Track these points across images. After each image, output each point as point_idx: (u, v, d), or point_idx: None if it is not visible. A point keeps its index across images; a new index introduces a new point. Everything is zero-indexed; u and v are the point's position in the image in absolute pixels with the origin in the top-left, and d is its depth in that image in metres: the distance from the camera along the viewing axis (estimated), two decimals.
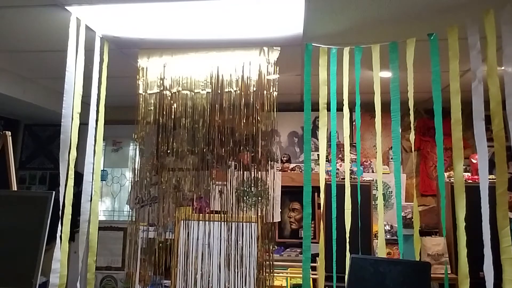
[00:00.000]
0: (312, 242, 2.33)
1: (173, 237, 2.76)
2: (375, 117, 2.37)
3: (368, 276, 1.95)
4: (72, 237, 2.34)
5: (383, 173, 3.09)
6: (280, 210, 4.02)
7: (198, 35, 2.48)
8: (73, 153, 2.16)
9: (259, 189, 2.67)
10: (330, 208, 2.54)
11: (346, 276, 2.04)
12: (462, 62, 2.02)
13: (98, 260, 2.52)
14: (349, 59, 2.38)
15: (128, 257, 3.56)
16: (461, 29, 2.02)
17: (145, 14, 2.19)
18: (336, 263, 2.46)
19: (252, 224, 2.69)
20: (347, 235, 2.36)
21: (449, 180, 3.34)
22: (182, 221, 2.77)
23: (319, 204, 3.64)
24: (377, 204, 2.78)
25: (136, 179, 2.71)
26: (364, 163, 4.10)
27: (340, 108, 2.44)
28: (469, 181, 3.33)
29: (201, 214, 2.76)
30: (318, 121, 2.67)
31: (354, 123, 3.93)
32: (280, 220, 4.06)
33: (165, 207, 2.71)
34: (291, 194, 4.08)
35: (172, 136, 2.67)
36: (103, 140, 2.51)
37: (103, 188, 4.55)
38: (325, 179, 2.43)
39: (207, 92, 2.65)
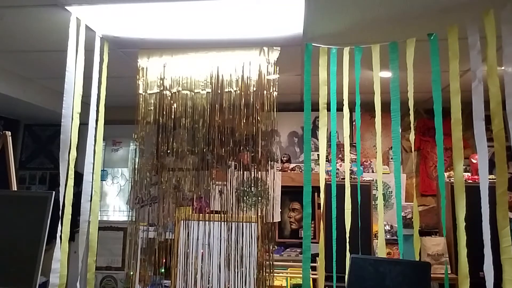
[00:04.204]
0: (312, 242, 2.33)
1: (173, 237, 2.76)
2: (375, 117, 2.37)
3: (368, 276, 1.95)
4: (72, 237, 2.33)
5: (383, 173, 3.09)
6: (280, 210, 4.02)
7: (198, 35, 2.48)
8: (73, 153, 2.15)
9: (259, 189, 2.67)
10: (330, 208, 2.54)
11: (346, 276, 2.04)
12: (462, 62, 2.02)
13: (98, 260, 2.52)
14: (349, 59, 2.38)
15: (128, 257, 3.56)
16: (461, 29, 2.02)
17: (145, 14, 2.19)
18: (336, 263, 2.46)
19: (252, 224, 2.69)
20: (347, 235, 2.36)
21: (449, 180, 3.34)
22: (182, 221, 2.77)
23: (319, 204, 3.64)
24: (377, 204, 2.78)
25: (136, 179, 2.71)
26: (364, 163, 4.10)
27: (340, 108, 2.43)
28: (469, 181, 3.33)
29: (201, 214, 2.76)
30: (318, 121, 2.67)
31: (354, 123, 3.92)
32: (280, 220, 4.06)
33: (165, 207, 2.71)
34: (291, 194, 4.08)
35: (172, 136, 2.67)
36: (103, 140, 2.51)
37: (102, 188, 4.55)
38: (325, 179, 2.43)
39: (207, 92, 2.65)
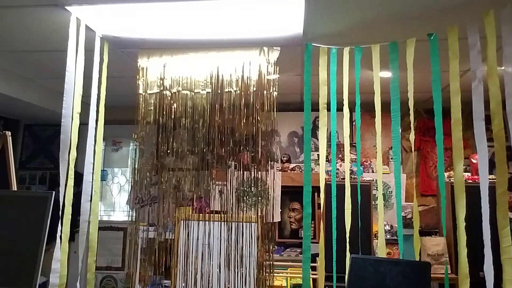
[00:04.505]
0: (312, 242, 2.33)
1: (173, 237, 2.76)
2: (375, 117, 2.37)
3: (368, 276, 1.95)
4: (72, 237, 2.34)
5: (383, 173, 3.09)
6: (280, 210, 4.02)
7: (198, 35, 2.47)
8: (73, 153, 2.16)
9: (259, 189, 2.67)
10: (330, 208, 2.54)
11: (346, 276, 2.04)
12: (462, 62, 2.02)
13: (98, 260, 2.52)
14: (349, 59, 2.38)
15: (128, 257, 3.56)
16: (461, 29, 2.02)
17: (145, 14, 2.19)
18: (336, 263, 2.46)
19: (252, 224, 2.69)
20: (347, 235, 2.36)
21: (449, 180, 3.34)
22: (182, 221, 2.77)
23: (319, 204, 3.64)
24: (377, 204, 2.78)
25: (136, 179, 2.71)
26: (364, 163, 4.10)
27: (340, 108, 2.43)
28: (469, 181, 3.33)
29: (201, 214, 2.76)
30: (318, 121, 2.67)
31: (354, 123, 3.92)
32: (280, 220, 4.06)
33: (165, 207, 2.71)
34: (291, 194, 4.08)
35: (172, 136, 2.67)
36: (103, 140, 2.51)
37: (102, 188, 4.56)
38: (325, 179, 2.43)
39: (207, 92, 2.65)
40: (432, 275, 2.07)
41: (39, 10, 2.13)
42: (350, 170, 2.83)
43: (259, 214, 2.66)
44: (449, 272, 3.20)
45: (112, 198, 4.65)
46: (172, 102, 2.66)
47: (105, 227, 4.27)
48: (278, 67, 2.57)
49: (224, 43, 2.57)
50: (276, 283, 3.01)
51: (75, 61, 2.19)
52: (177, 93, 2.67)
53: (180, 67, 2.67)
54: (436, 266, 3.23)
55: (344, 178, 2.49)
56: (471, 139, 2.00)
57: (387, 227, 3.55)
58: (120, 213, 4.58)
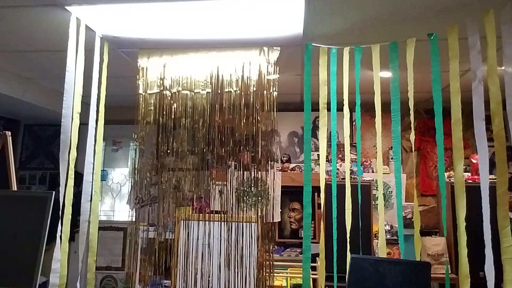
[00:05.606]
0: (312, 242, 2.33)
1: (173, 237, 2.76)
2: (375, 117, 2.37)
3: (368, 276, 1.95)
4: (72, 237, 2.33)
5: (383, 173, 3.08)
6: (280, 210, 4.02)
7: (198, 35, 2.48)
8: (73, 153, 2.16)
9: (259, 189, 2.67)
10: (330, 208, 2.54)
11: (347, 276, 2.03)
12: (462, 62, 2.02)
13: (98, 260, 2.52)
14: (349, 59, 2.38)
15: (128, 257, 3.56)
16: (461, 29, 2.02)
17: (145, 14, 2.19)
18: (336, 263, 2.47)
19: (252, 224, 2.69)
20: (348, 235, 2.36)
21: (449, 180, 3.34)
22: (182, 221, 2.77)
23: (319, 204, 3.63)
24: (377, 204, 2.78)
25: (136, 179, 2.71)
26: (364, 163, 4.10)
27: (340, 108, 2.43)
28: (469, 181, 3.33)
29: (201, 214, 2.76)
30: (318, 121, 2.67)
31: (354, 123, 3.93)
32: (280, 220, 4.06)
33: (165, 207, 2.71)
34: (291, 194, 4.07)
35: (172, 136, 2.67)
36: (103, 140, 2.51)
37: (102, 188, 4.56)
38: (325, 179, 2.43)
39: (207, 92, 2.65)
40: (432, 275, 2.07)
41: (39, 10, 2.13)
42: (350, 170, 2.83)
43: (259, 214, 2.66)
44: (450, 272, 3.20)
45: (112, 198, 4.64)
46: (172, 102, 2.66)
47: (105, 227, 4.27)
48: (278, 67, 2.57)
49: (224, 43, 2.57)
50: (276, 283, 3.01)
51: (75, 61, 2.19)
52: (177, 93, 2.67)
53: (180, 67, 2.67)
54: (436, 266, 3.23)
55: (344, 178, 2.49)
56: (471, 139, 2.00)
57: (387, 227, 3.55)
58: (120, 213, 4.58)
